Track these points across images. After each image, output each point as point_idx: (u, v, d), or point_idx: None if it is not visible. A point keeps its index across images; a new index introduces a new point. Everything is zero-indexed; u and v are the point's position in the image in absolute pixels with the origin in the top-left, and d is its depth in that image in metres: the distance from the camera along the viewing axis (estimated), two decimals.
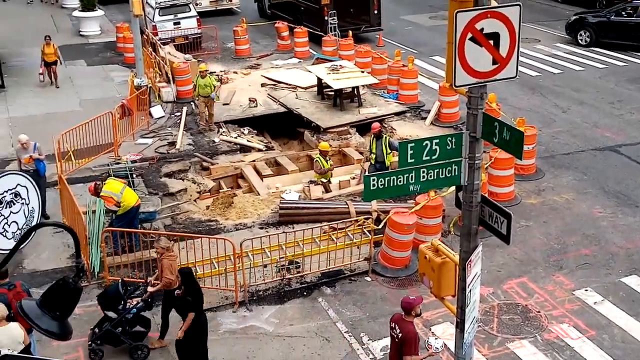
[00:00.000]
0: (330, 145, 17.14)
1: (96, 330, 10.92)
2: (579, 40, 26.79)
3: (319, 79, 21.15)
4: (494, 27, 6.74)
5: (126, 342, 10.89)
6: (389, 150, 15.76)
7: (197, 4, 31.23)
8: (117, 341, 10.94)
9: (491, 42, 6.78)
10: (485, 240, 10.26)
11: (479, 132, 7.18)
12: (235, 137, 19.23)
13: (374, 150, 15.86)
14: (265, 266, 13.00)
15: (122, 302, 10.94)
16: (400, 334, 8.96)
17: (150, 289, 11.08)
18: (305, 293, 12.58)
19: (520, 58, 7.10)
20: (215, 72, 24.12)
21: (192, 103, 20.25)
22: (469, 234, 7.60)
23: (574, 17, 27.58)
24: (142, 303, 11.03)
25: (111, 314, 10.91)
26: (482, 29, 6.70)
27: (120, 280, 11.28)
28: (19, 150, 14.60)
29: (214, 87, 19.54)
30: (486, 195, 8.10)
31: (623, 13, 26.06)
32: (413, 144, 7.23)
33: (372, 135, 16.03)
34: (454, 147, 7.30)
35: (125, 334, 10.91)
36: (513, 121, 16.07)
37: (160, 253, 11.07)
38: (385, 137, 16.07)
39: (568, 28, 27.36)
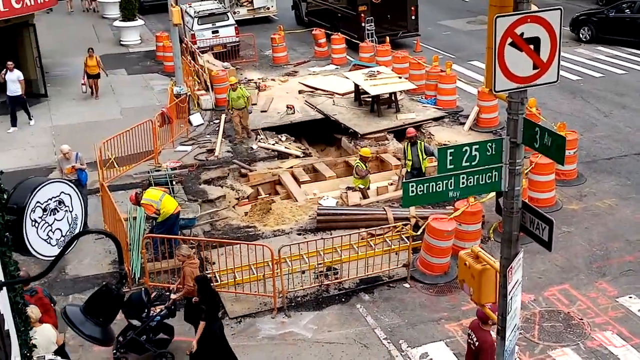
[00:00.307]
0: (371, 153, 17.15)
1: (120, 338, 10.86)
2: (581, 37, 27.56)
3: (356, 85, 21.15)
4: (534, 32, 6.66)
5: (151, 350, 10.90)
6: (424, 156, 15.70)
7: (235, 13, 31.55)
8: (142, 349, 10.94)
9: (531, 46, 6.70)
10: (526, 246, 10.12)
11: (520, 137, 7.09)
12: (273, 144, 19.33)
13: (409, 157, 15.83)
14: (303, 272, 13.02)
15: (146, 310, 10.95)
16: (477, 342, 8.91)
17: (173, 296, 11.15)
18: (343, 299, 12.57)
19: (561, 62, 7.00)
20: (252, 80, 24.35)
21: (225, 114, 20.24)
22: (509, 241, 7.51)
23: (578, 14, 28.19)
24: (166, 311, 11.05)
25: (135, 322, 10.92)
26: (522, 34, 6.62)
27: (143, 289, 11.37)
28: (61, 160, 14.88)
29: (247, 97, 19.43)
30: (526, 200, 8.00)
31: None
32: (452, 150, 7.17)
33: (407, 141, 15.99)
34: (494, 152, 7.22)
35: (149, 341, 10.90)
36: (554, 126, 15.85)
37: (182, 261, 11.16)
38: (421, 143, 16.01)
39: (572, 24, 27.78)
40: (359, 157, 16.32)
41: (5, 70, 19.99)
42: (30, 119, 20.95)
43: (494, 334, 8.47)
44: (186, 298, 11.10)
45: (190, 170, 17.59)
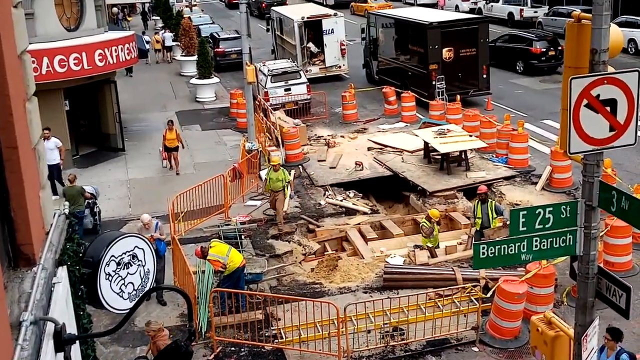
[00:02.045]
0: (440, 212, 16.95)
1: None
2: None
3: (426, 143, 21.11)
4: (611, 94, 6.56)
5: None
6: (494, 215, 15.44)
7: (307, 71, 32.17)
8: None
9: (608, 108, 6.59)
10: (601, 312, 9.72)
11: (596, 200, 6.92)
12: (341, 200, 19.38)
13: (479, 215, 15.63)
14: (368, 332, 12.83)
15: None
16: None
17: None
18: None
19: (639, 122, 6.85)
20: (322, 136, 24.64)
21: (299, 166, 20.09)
22: (584, 307, 7.26)
23: None
24: None
25: None
26: (598, 95, 6.53)
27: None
28: (140, 229, 14.66)
29: (289, 182, 18.17)
30: (601, 264, 7.74)
31: None
32: (525, 212, 7.05)
33: (478, 199, 15.78)
34: (568, 215, 7.06)
35: None
36: (630, 188, 15.37)
37: (151, 336, 11.05)
38: (491, 202, 15.77)
39: None
40: (426, 216, 16.18)
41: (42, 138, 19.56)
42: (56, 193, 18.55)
43: None
44: None
45: (259, 225, 17.77)
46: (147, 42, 37.80)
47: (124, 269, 5.29)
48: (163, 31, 42.63)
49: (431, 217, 15.87)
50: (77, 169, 22.38)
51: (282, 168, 18.15)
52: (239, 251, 14.39)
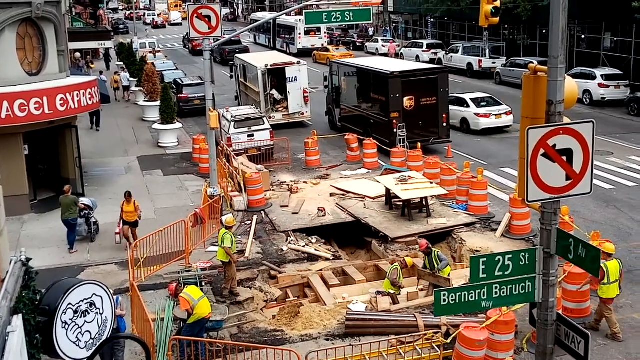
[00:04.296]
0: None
1: None
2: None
3: (387, 189, 21.28)
4: (567, 144, 6.74)
5: None
6: (439, 264, 15.81)
7: (270, 117, 32.36)
8: None
9: (564, 158, 6.76)
10: (560, 358, 9.80)
11: (554, 248, 7.04)
12: (303, 246, 19.33)
13: (427, 266, 16.14)
14: None
15: None
16: None
17: None
18: None
19: (594, 171, 7.02)
20: (285, 182, 24.68)
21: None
22: (544, 354, 7.32)
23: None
24: None
25: None
26: (554, 145, 6.70)
27: None
28: None
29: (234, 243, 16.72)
30: (560, 311, 7.83)
31: None
32: (485, 259, 7.13)
33: (423, 254, 16.36)
34: (527, 262, 7.16)
35: None
36: (587, 235, 15.66)
37: None
38: (435, 252, 16.16)
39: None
40: (399, 263, 16.35)
41: None
42: None
43: None
44: None
45: (220, 272, 17.58)
46: (105, 81, 37.86)
47: (81, 317, 5.19)
48: (122, 72, 42.88)
49: (407, 265, 16.16)
50: (35, 214, 22.01)
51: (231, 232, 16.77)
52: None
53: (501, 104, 31.81)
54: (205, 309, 13.36)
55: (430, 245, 16.58)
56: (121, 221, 19.21)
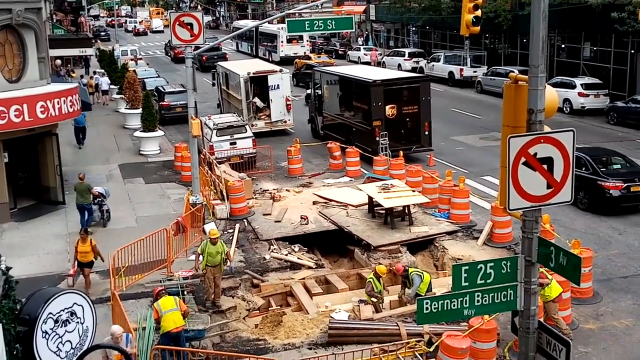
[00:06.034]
0: (388, 268, 17.13)
1: None
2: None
3: (370, 198, 21.31)
4: (547, 152, 6.79)
5: None
6: (411, 284, 15.98)
7: (253, 125, 32.33)
8: None
9: (545, 166, 6.81)
10: None
11: (535, 256, 7.08)
12: (286, 255, 19.29)
13: (409, 286, 16.23)
14: None
15: None
16: None
17: None
18: None
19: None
20: (267, 190, 24.64)
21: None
22: None
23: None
24: None
25: None
26: (535, 154, 6.75)
27: None
28: (109, 342, 13.06)
29: (227, 253, 16.70)
30: (542, 319, 7.87)
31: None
32: (467, 267, 7.16)
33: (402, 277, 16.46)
34: (509, 270, 7.20)
35: None
36: (568, 243, 15.77)
37: None
38: (410, 274, 16.25)
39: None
40: (374, 273, 16.32)
41: None
42: None
43: None
44: None
45: (202, 280, 17.48)
46: (85, 85, 37.71)
47: (61, 326, 5.14)
48: (96, 75, 42.66)
49: (379, 276, 16.08)
50: (15, 222, 21.80)
51: (220, 240, 16.68)
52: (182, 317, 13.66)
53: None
54: (170, 323, 13.25)
55: (407, 267, 16.64)
56: (75, 262, 17.24)
